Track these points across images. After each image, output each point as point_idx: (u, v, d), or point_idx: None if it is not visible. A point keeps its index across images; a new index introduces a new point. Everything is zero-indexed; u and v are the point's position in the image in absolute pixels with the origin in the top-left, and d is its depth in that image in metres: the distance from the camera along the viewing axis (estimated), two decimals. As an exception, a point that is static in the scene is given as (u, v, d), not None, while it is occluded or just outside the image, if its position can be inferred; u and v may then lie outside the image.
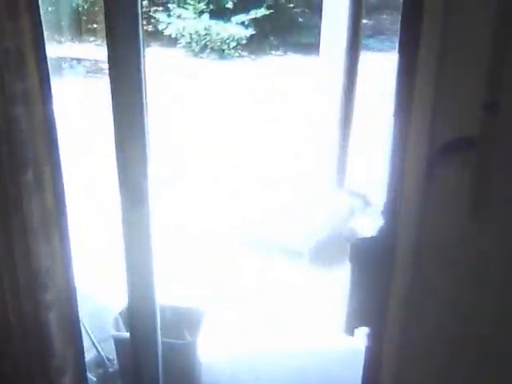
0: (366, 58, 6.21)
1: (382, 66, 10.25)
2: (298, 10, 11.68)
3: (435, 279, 1.72)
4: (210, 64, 10.26)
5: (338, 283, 4.06)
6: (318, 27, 11.18)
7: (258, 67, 10.36)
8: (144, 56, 2.02)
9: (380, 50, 10.73)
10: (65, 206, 2.05)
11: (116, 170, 2.12)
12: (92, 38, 10.55)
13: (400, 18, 1.50)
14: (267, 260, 4.31)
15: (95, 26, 10.79)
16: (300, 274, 4.16)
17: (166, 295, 2.83)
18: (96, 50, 10.14)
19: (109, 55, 1.96)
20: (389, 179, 1.65)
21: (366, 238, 1.75)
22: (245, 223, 4.40)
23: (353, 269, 1.77)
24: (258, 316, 3.74)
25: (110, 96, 1.99)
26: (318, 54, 10.81)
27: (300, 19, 11.67)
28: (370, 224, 4.68)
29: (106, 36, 1.91)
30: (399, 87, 1.53)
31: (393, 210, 1.67)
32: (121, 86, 2.00)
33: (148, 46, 10.93)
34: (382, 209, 1.70)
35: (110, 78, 1.97)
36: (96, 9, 10.31)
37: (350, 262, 1.76)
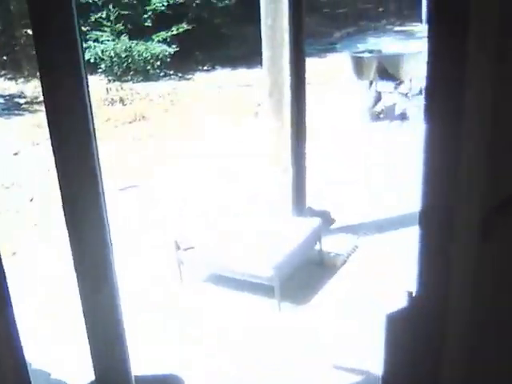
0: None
1: (316, 71, 10.05)
2: (220, 20, 11.32)
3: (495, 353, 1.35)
4: (135, 86, 9.76)
5: (313, 321, 3.71)
6: (244, 38, 10.99)
7: (186, 84, 9.95)
8: (88, 92, 1.58)
9: (309, 55, 10.51)
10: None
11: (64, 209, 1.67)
12: (3, 72, 9.89)
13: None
14: (236, 298, 3.88)
15: (5, 58, 10.14)
16: (273, 312, 3.74)
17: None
18: (9, 85, 9.53)
19: (44, 94, 1.50)
20: (428, 237, 1.27)
21: (403, 308, 1.36)
22: (210, 256, 3.95)
23: (388, 342, 1.38)
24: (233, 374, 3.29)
25: (52, 149, 1.54)
26: (247, 67, 10.59)
27: (224, 30, 11.32)
28: (337, 243, 4.33)
29: (40, 70, 1.46)
30: (445, 129, 1.17)
31: (439, 273, 1.29)
32: (64, 133, 1.55)
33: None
34: (419, 271, 1.32)
35: (49, 125, 1.51)
36: (3, 39, 9.67)
37: (385, 335, 1.38)
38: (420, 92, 4.69)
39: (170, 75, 10.41)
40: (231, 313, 3.77)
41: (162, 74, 10.36)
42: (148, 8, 10.32)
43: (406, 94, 4.70)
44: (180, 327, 3.65)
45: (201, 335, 3.57)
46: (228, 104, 8.79)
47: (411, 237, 4.42)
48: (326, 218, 4.78)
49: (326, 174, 5.67)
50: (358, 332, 3.49)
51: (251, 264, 3.72)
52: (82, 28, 10.44)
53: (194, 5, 10.58)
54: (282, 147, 4.23)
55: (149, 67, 10.29)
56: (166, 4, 10.31)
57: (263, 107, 4.28)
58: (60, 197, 1.80)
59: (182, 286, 4.04)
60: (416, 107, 4.43)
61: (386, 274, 4.07)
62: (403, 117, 4.48)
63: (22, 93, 9.50)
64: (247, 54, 10.55)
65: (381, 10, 15.89)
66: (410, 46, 11.27)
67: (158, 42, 10.30)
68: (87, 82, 1.58)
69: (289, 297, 3.77)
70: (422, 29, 13.68)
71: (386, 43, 12.15)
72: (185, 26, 10.27)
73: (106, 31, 10.33)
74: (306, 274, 4.01)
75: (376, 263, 4.23)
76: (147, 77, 10.21)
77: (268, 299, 3.76)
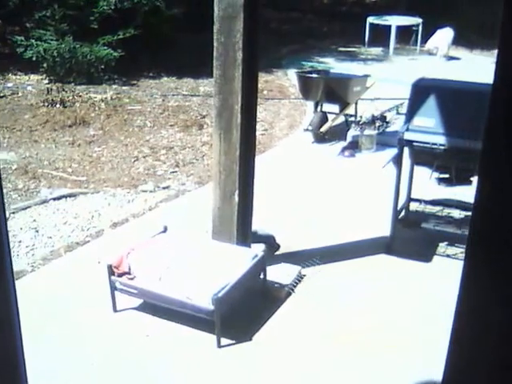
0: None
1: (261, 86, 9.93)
2: (168, 28, 11.06)
3: None
4: (77, 89, 9.39)
5: (254, 360, 3.49)
6: (191, 47, 10.75)
7: (130, 89, 9.65)
8: None
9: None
10: None
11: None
12: None
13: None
14: (173, 331, 3.64)
15: None
16: (212, 349, 3.51)
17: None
18: None
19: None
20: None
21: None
22: (147, 285, 3.68)
23: None
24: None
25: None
26: (193, 76, 10.38)
27: (171, 38, 11.06)
28: (282, 272, 4.14)
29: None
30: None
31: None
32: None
33: (6, 71, 9.95)
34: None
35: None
36: None
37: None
38: (372, 120, 4.56)
39: (114, 79, 10.08)
40: (165, 348, 3.52)
41: (106, 77, 10.02)
42: (95, 10, 9.96)
43: (358, 122, 4.56)
44: (105, 363, 3.40)
45: (129, 373, 3.33)
46: (172, 113, 8.56)
47: (360, 267, 4.31)
48: (271, 244, 4.61)
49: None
50: (300, 374, 3.32)
51: (190, 296, 3.49)
52: (26, 25, 10.05)
53: (143, 10, 10.29)
54: (229, 170, 4.02)
55: (92, 70, 9.94)
56: (113, 8, 9.98)
57: (213, 128, 4.05)
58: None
59: (115, 315, 3.78)
60: (368, 137, 4.30)
61: (333, 307, 3.93)
62: (355, 146, 4.34)
63: None
64: (194, 63, 10.33)
65: (325, 29, 16.00)
66: (355, 67, 11.36)
67: (104, 45, 9.95)
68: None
69: (230, 332, 3.56)
70: (364, 51, 13.84)
71: (330, 63, 12.19)
72: (132, 31, 9.95)
73: (49, 30, 9.93)
74: (250, 308, 3.81)
75: (323, 295, 4.08)
76: (90, 80, 9.86)
77: (207, 334, 3.55)
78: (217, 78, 3.84)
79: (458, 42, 13.51)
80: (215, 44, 3.79)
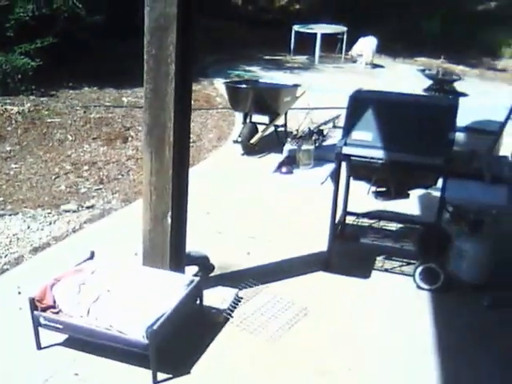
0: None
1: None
2: (89, 36, 10.67)
3: None
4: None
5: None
6: (114, 56, 10.42)
7: (49, 101, 9.19)
8: None
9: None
10: None
11: None
12: None
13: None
14: (103, 368, 3.35)
15: None
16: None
17: None
18: None
19: None
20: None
21: None
22: (73, 318, 3.37)
23: None
24: None
25: None
26: (115, 87, 10.02)
27: (92, 47, 10.67)
28: (218, 296, 3.91)
29: None
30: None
31: None
32: None
33: None
34: None
35: None
36: None
37: None
38: (309, 134, 4.40)
39: (32, 90, 9.59)
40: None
41: (23, 88, 9.52)
42: (10, 17, 9.46)
43: (294, 136, 4.39)
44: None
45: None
46: (95, 125, 8.19)
47: (298, 286, 4.12)
48: (205, 265, 4.38)
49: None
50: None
51: (122, 330, 3.22)
52: None
53: (62, 18, 9.85)
54: (161, 190, 3.75)
55: (8, 80, 9.44)
56: (30, 15, 9.50)
57: (143, 146, 3.79)
58: None
59: (39, 353, 3.45)
60: (306, 152, 4.14)
61: (272, 330, 3.74)
62: (292, 161, 4.17)
63: None
64: (116, 72, 10.00)
65: (250, 37, 16.01)
66: (281, 76, 11.31)
67: (21, 53, 9.46)
68: None
69: (167, 365, 3.30)
70: (290, 59, 13.84)
71: (257, 71, 12.10)
72: (50, 39, 9.51)
73: (-41, 38, 9.40)
74: (186, 337, 3.55)
75: (261, 318, 3.88)
76: (6, 91, 9.34)
77: (142, 369, 3.27)
78: (147, 92, 3.58)
79: (381, 50, 13.68)
80: (146, 57, 3.53)
